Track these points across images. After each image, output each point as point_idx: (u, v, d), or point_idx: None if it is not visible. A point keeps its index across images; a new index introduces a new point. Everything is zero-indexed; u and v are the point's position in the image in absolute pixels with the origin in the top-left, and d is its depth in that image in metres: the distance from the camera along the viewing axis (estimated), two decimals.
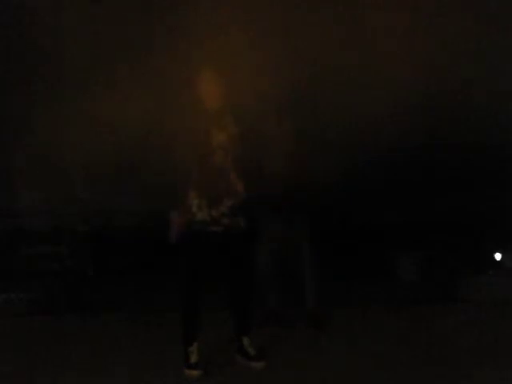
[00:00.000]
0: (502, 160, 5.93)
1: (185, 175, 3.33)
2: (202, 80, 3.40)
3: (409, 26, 4.68)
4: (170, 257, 3.42)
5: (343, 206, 4.36)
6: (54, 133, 4.99)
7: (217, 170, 3.36)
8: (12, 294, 5.05)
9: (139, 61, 4.78)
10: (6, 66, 5.20)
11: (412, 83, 4.57)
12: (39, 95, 5.16)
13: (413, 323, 4.36)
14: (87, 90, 5.02)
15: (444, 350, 3.67)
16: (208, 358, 3.43)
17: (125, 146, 5.00)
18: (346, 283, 5.13)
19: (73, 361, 3.56)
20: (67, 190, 6.05)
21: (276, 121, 4.22)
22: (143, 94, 4.58)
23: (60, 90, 5.10)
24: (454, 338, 3.95)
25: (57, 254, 5.86)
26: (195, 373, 3.26)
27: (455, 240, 5.87)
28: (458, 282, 5.30)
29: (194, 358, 3.31)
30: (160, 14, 4.86)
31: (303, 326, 4.22)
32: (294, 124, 4.24)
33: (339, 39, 4.63)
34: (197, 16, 4.49)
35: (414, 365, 3.40)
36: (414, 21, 4.73)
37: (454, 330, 4.14)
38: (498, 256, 5.93)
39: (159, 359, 3.55)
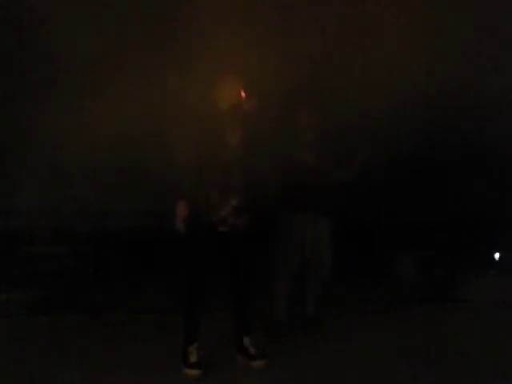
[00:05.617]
0: (502, 160, 5.93)
1: (193, 173, 3.30)
2: (216, 79, 3.39)
3: (410, 26, 4.68)
4: (170, 257, 3.41)
5: (343, 205, 4.36)
6: (54, 132, 4.98)
7: (225, 169, 3.34)
8: (12, 294, 5.04)
9: (142, 59, 4.78)
10: (6, 66, 5.19)
11: (413, 83, 4.57)
12: (39, 95, 5.16)
13: (413, 323, 4.36)
14: (88, 90, 5.02)
15: (444, 350, 3.67)
16: (208, 357, 3.43)
17: (125, 145, 5.00)
18: (345, 283, 5.13)
19: (73, 361, 3.55)
20: (67, 190, 6.04)
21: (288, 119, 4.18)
22: (144, 94, 4.58)
23: (60, 90, 5.09)
24: (454, 337, 3.95)
25: (57, 254, 5.85)
26: (195, 372, 3.27)
27: (455, 240, 5.87)
28: (457, 282, 5.30)
29: (193, 358, 3.32)
30: (168, 11, 4.85)
31: (303, 327, 4.21)
32: (304, 122, 4.18)
33: (341, 38, 4.63)
34: (207, 14, 4.48)
35: (414, 365, 3.40)
36: (414, 21, 4.74)
37: (453, 330, 4.15)
38: (497, 256, 5.94)
39: (159, 359, 3.55)
